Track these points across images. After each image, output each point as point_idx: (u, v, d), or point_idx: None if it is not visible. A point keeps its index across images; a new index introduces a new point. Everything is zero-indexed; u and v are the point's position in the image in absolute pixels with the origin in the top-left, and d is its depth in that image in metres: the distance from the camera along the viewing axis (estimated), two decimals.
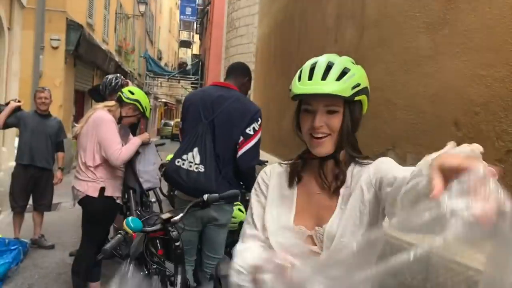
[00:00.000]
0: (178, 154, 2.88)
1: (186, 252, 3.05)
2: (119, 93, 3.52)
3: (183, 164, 2.80)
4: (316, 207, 1.29)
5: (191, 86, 26.01)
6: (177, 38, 43.01)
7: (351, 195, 1.25)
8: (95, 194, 3.38)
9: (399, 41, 2.36)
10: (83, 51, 12.11)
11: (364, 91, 1.24)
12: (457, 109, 1.95)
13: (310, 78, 1.21)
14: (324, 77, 1.19)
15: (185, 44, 42.11)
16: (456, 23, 1.98)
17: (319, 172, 1.31)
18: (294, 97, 1.26)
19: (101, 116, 3.38)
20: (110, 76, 4.39)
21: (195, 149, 2.80)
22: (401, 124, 2.31)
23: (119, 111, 3.48)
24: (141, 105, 3.52)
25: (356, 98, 1.22)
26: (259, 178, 1.45)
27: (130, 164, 3.62)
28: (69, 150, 9.75)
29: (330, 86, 1.17)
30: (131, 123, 3.62)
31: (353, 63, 1.27)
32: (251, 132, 2.79)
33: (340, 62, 1.23)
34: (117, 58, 16.68)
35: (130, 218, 1.92)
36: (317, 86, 1.18)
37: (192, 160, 2.78)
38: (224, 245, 3.10)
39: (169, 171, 2.91)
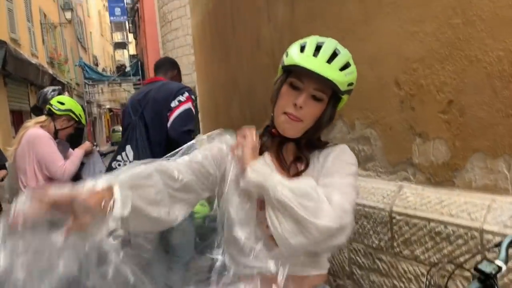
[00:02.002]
0: (113, 157, 2.90)
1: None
2: (48, 106, 3.33)
3: (119, 165, 2.81)
4: None
5: (134, 88, 25.33)
6: (111, 41, 41.58)
7: None
8: None
9: (330, 10, 2.36)
10: (11, 69, 11.45)
11: (351, 91, 1.22)
12: (396, 69, 1.97)
13: (315, 55, 1.14)
14: (329, 61, 1.14)
15: (120, 45, 40.78)
16: None
17: (278, 152, 1.25)
18: (290, 67, 1.17)
19: (35, 133, 3.18)
20: (46, 89, 4.18)
21: (127, 147, 2.84)
22: None
23: (52, 125, 3.29)
24: (74, 113, 3.35)
25: (344, 95, 1.20)
26: (220, 143, 1.30)
27: (76, 178, 3.46)
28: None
29: (335, 73, 1.12)
30: (69, 134, 3.44)
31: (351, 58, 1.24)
32: (176, 104, 2.81)
33: (345, 53, 1.19)
34: (50, 71, 15.92)
35: None
36: (323, 67, 1.12)
37: (126, 159, 2.81)
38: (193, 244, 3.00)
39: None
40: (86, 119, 3.61)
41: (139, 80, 23.71)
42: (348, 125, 2.32)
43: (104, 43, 39.15)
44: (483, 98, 1.64)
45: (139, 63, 24.80)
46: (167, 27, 11.28)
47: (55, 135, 3.29)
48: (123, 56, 42.96)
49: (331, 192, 1.10)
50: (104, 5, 39.91)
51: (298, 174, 1.22)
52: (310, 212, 1.03)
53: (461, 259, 1.55)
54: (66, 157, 3.27)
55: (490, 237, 1.55)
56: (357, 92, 2.22)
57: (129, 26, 34.19)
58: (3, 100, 11.49)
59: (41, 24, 16.57)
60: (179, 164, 1.20)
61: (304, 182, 1.10)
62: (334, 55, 1.16)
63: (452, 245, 1.70)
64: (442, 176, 1.83)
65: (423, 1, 1.81)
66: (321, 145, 1.28)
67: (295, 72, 1.17)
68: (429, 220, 1.79)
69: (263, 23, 3.34)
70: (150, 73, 18.72)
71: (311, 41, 1.18)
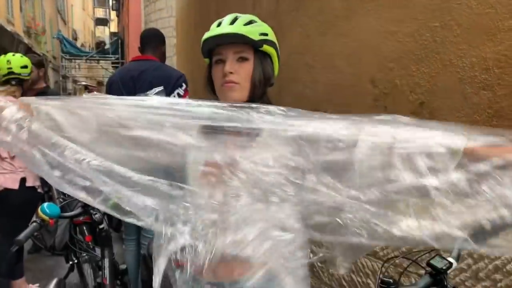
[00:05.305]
0: None
1: (127, 232, 2.98)
2: (15, 76, 3.27)
3: None
4: None
5: (112, 66, 24.79)
6: (92, 16, 40.57)
7: None
8: (15, 185, 3.15)
9: (314, 3, 2.36)
10: None
11: (272, 44, 1.24)
12: (373, 66, 1.99)
13: (219, 26, 1.21)
14: (232, 23, 1.20)
15: (102, 22, 39.80)
16: None
17: None
18: (204, 46, 1.24)
19: None
20: None
21: None
22: (322, 86, 2.33)
23: (20, 90, 3.27)
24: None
25: (265, 47, 1.22)
26: None
27: None
28: None
29: (240, 28, 1.18)
30: (34, 95, 3.41)
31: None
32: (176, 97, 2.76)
33: (247, 15, 1.24)
34: (26, 40, 15.41)
35: (45, 204, 1.77)
36: (227, 28, 1.19)
37: None
38: None
39: None
40: (61, 92, 3.63)
41: (117, 58, 23.22)
42: None
43: (85, 18, 38.17)
44: (453, 103, 1.67)
45: (119, 41, 24.26)
46: (151, 7, 11.08)
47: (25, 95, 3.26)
48: (103, 33, 41.96)
49: None
50: None
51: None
52: None
53: (417, 255, 1.59)
54: None
55: None
56: (333, 86, 2.25)
57: (112, 3, 33.40)
58: None
59: None
60: None
61: None
62: (235, 19, 1.22)
63: None
64: None
65: (404, 1, 1.83)
66: None
67: (214, 50, 1.24)
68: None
69: (247, 10, 3.31)
70: (131, 52, 18.32)
71: (214, 23, 1.25)
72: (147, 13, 11.86)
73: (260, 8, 3.06)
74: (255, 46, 1.21)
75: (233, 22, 1.20)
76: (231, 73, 1.20)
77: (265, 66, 1.24)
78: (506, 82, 1.48)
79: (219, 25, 1.21)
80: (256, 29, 1.20)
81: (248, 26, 1.20)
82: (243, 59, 1.21)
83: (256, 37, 1.19)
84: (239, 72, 1.20)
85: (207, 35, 1.22)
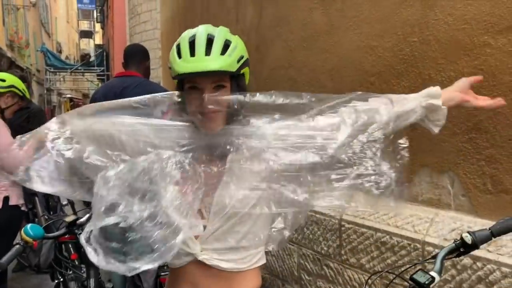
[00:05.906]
0: None
1: None
2: None
3: None
4: None
5: (97, 78, 24.67)
6: (76, 29, 40.33)
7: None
8: None
9: (297, 18, 2.39)
10: None
11: (246, 62, 1.18)
12: (354, 81, 2.02)
13: (192, 54, 1.10)
14: (208, 52, 1.10)
15: (86, 34, 39.54)
16: None
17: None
18: (177, 77, 1.15)
19: None
20: None
21: None
22: None
23: None
24: (17, 89, 3.26)
25: (242, 71, 1.17)
26: None
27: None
28: None
29: (217, 62, 1.09)
30: (15, 111, 3.33)
31: (230, 33, 1.19)
32: (159, 115, 2.75)
33: (220, 34, 1.14)
34: (9, 54, 15.27)
35: (29, 225, 1.74)
36: (203, 63, 1.09)
37: None
38: None
39: None
40: (45, 105, 3.52)
41: (102, 70, 23.08)
42: None
43: (69, 30, 37.94)
44: None
45: (104, 53, 24.14)
46: (135, 19, 11.05)
47: (1, 114, 3.17)
48: (88, 45, 41.71)
49: None
50: None
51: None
52: None
53: (403, 269, 1.60)
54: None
55: (431, 249, 1.61)
56: None
57: (97, 15, 33.25)
58: None
59: (2, 4, 15.86)
60: None
61: None
62: (209, 43, 1.11)
63: (396, 255, 1.75)
64: None
65: (384, 17, 1.87)
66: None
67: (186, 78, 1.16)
68: (376, 230, 1.84)
69: (231, 23, 3.33)
70: (116, 64, 18.25)
71: (184, 41, 1.14)
72: (131, 25, 11.83)
73: (243, 22, 3.09)
74: (233, 74, 1.15)
75: (208, 51, 1.10)
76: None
77: (241, 88, 1.20)
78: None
79: (192, 53, 1.10)
80: (234, 56, 1.13)
81: (226, 56, 1.11)
82: (220, 86, 1.15)
83: (235, 68, 1.13)
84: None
85: (181, 67, 1.11)
